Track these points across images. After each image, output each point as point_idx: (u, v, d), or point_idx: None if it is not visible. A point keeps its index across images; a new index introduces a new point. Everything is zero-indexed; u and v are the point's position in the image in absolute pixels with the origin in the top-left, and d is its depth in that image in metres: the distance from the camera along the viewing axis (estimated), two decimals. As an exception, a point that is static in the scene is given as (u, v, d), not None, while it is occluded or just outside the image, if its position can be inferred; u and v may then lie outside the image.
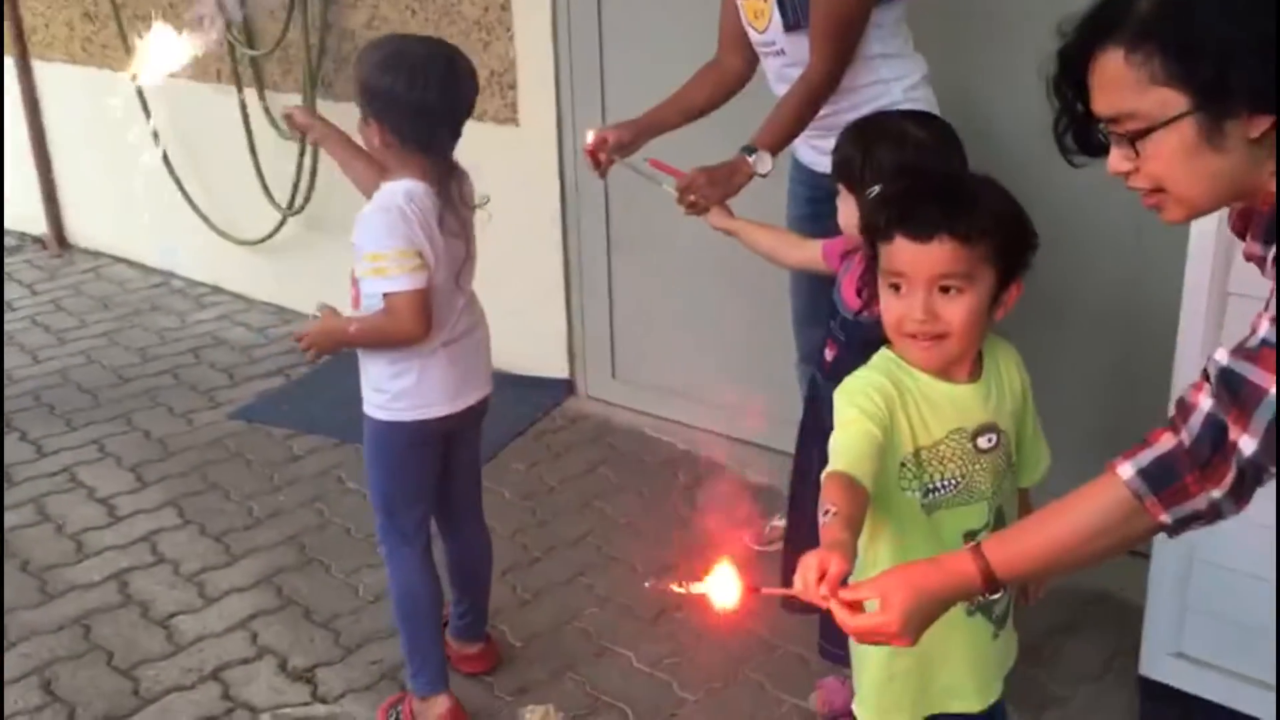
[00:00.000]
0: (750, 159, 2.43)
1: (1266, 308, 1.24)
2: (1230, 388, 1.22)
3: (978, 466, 1.72)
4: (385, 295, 2.17)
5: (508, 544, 3.14)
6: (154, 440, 3.85)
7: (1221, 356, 1.24)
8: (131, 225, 5.50)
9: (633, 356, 3.94)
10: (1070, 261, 2.74)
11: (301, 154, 4.45)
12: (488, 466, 2.96)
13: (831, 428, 1.66)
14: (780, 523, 2.96)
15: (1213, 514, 1.28)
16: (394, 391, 2.29)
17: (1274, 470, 1.24)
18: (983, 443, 1.71)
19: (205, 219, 4.97)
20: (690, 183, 2.45)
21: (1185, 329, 2.23)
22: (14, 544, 3.26)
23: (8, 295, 5.21)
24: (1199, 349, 2.18)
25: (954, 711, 1.84)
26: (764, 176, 2.46)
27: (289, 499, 3.47)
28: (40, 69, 5.56)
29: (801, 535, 2.24)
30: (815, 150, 2.64)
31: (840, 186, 2.09)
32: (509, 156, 3.77)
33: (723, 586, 1.40)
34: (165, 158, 4.97)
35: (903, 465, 1.69)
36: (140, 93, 4.94)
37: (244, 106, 4.60)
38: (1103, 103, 1.26)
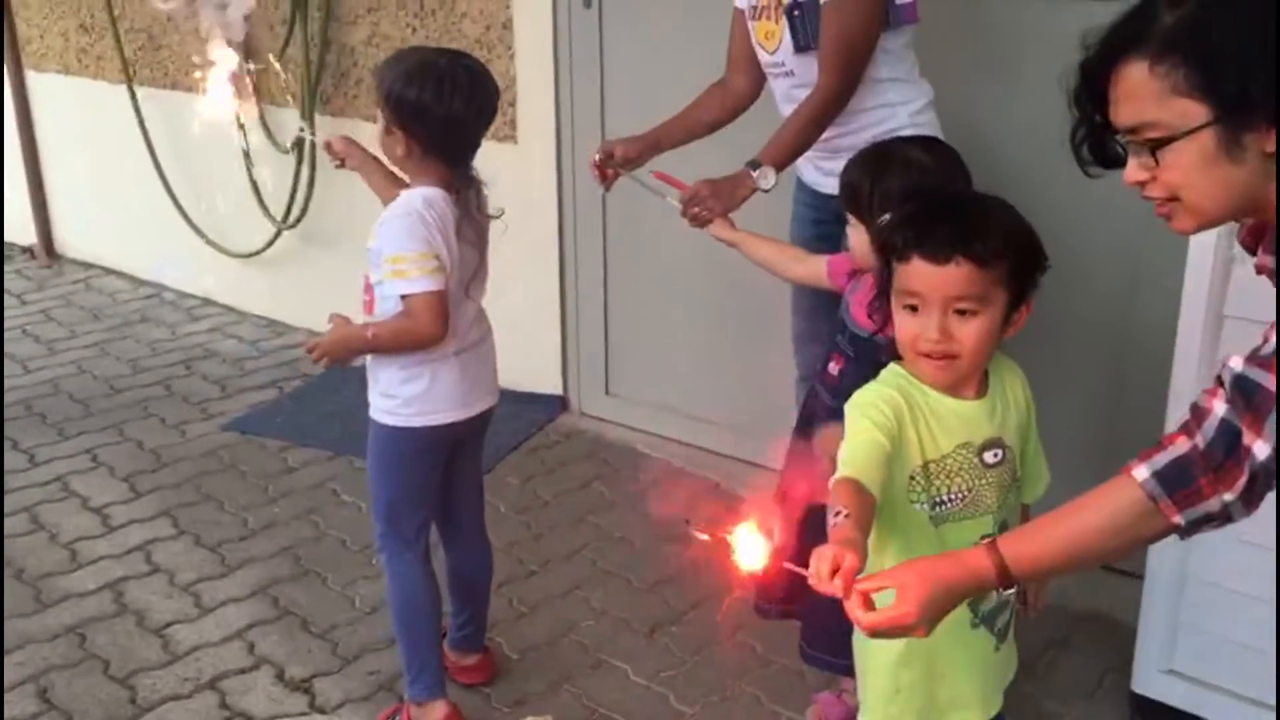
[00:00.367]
0: (754, 174, 2.47)
1: None
2: (1244, 394, 1.27)
3: (984, 481, 1.75)
4: (404, 297, 2.19)
5: (503, 557, 3.14)
6: (147, 451, 3.85)
7: (1236, 364, 1.29)
8: (122, 237, 5.51)
9: (626, 373, 3.97)
10: (1067, 281, 2.78)
11: (298, 168, 4.47)
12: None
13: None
14: None
15: (1224, 516, 1.32)
16: (404, 397, 2.32)
17: None
18: (989, 457, 1.75)
19: (198, 231, 4.97)
20: (694, 194, 2.49)
21: (1181, 350, 2.27)
22: (8, 552, 3.25)
23: (-3, 305, 5.21)
24: (1195, 370, 2.23)
25: (958, 723, 1.87)
26: (766, 192, 2.50)
27: (284, 510, 3.47)
28: (34, 80, 5.57)
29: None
30: (819, 171, 2.68)
31: (850, 216, 2.12)
32: (508, 174, 3.79)
33: (749, 547, 1.42)
34: (159, 170, 4.99)
35: (911, 478, 1.72)
36: (136, 105, 4.96)
37: (240, 120, 4.61)
38: (1124, 113, 1.29)
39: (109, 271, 5.61)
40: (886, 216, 1.81)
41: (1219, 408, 1.29)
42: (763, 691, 2.67)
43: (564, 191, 3.88)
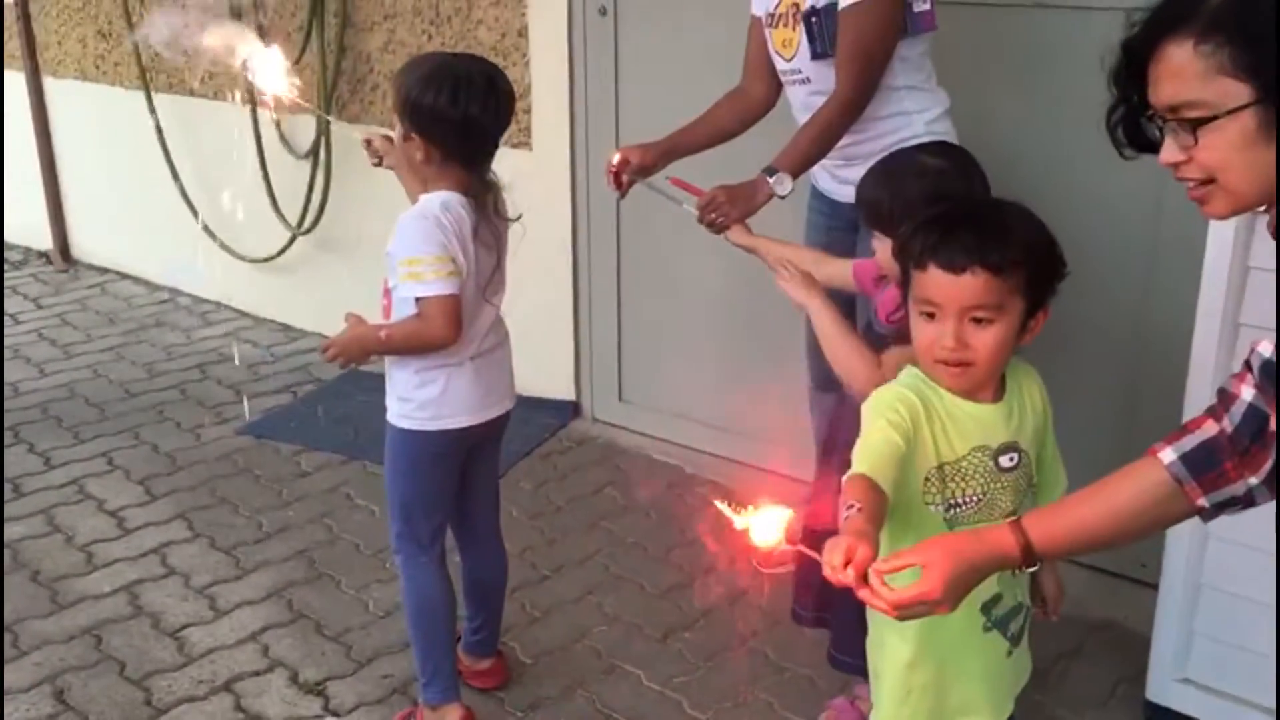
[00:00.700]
0: (771, 180, 2.48)
1: None
2: (1272, 379, 1.28)
3: (999, 485, 1.75)
4: (418, 299, 2.21)
5: (516, 562, 3.14)
6: (162, 454, 3.87)
7: (1265, 349, 1.30)
8: (138, 242, 5.54)
9: (639, 380, 3.98)
10: (1084, 288, 2.79)
11: (314, 174, 4.50)
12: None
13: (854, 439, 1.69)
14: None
15: (1248, 500, 1.34)
16: (419, 401, 2.33)
17: None
18: (1004, 461, 1.75)
19: (213, 236, 5.00)
20: (711, 200, 2.50)
21: (1196, 359, 2.28)
22: (24, 554, 3.27)
23: (13, 309, 5.24)
24: (1209, 379, 2.23)
25: (969, 728, 1.87)
26: (783, 198, 2.51)
27: (298, 514, 3.49)
28: (51, 85, 5.61)
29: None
30: (835, 179, 2.69)
31: (874, 232, 2.12)
32: (522, 180, 3.81)
33: (766, 526, 1.42)
34: (175, 175, 5.02)
35: (926, 480, 1.72)
36: (153, 111, 4.99)
37: (257, 126, 4.64)
38: (1165, 91, 1.29)
39: (124, 276, 5.64)
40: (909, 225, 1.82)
41: (1246, 392, 1.31)
42: (775, 698, 2.67)
43: (578, 198, 3.89)
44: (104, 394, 4.35)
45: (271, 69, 2.44)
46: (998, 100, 2.97)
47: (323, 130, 4.41)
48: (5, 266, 5.80)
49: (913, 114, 2.54)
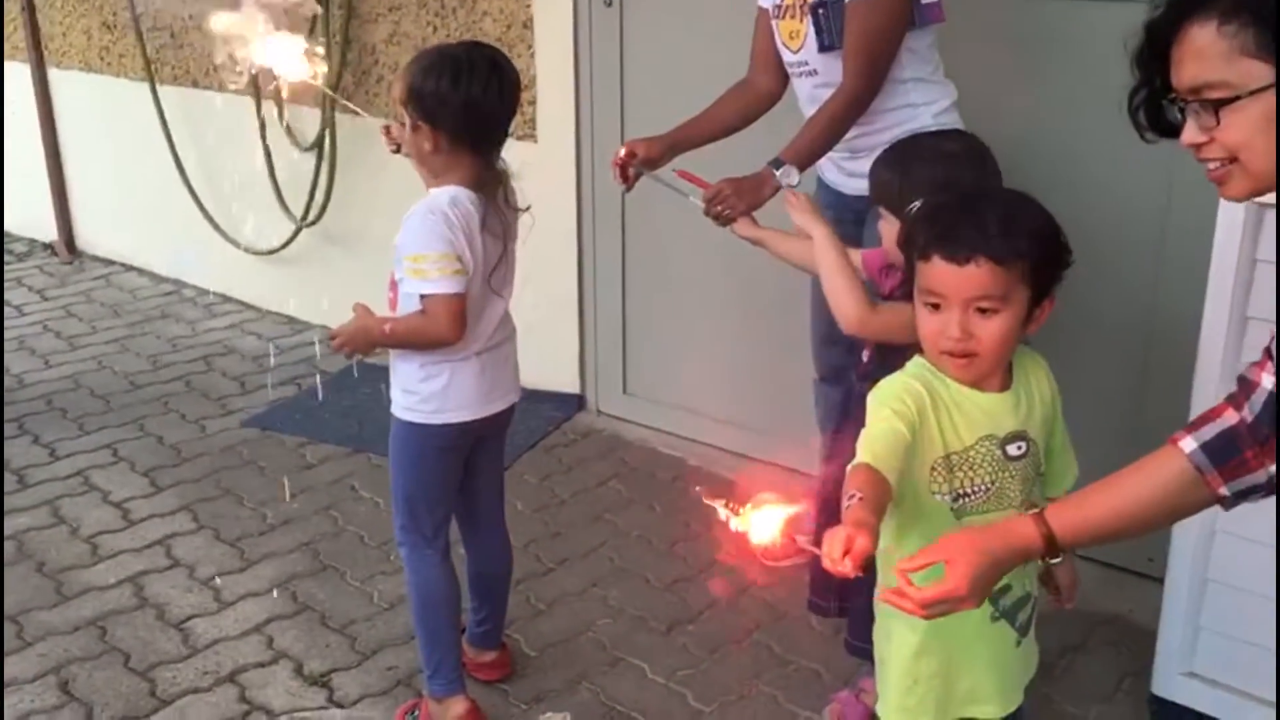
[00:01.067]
0: (777, 172, 2.47)
1: None
2: None
3: (1007, 474, 1.75)
4: (422, 297, 2.20)
5: (521, 554, 3.14)
6: (167, 446, 3.87)
7: None
8: (143, 233, 5.55)
9: (644, 373, 3.98)
10: (1093, 277, 2.79)
11: (318, 166, 4.49)
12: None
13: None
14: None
15: (1269, 488, 1.34)
16: (423, 394, 2.32)
17: None
18: (1012, 450, 1.75)
19: (218, 228, 5.00)
20: (717, 193, 2.49)
21: (1204, 351, 2.27)
22: (29, 545, 3.27)
23: (18, 300, 5.24)
24: (1218, 371, 2.23)
25: (976, 717, 1.86)
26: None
27: (303, 506, 3.49)
28: (56, 76, 5.61)
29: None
30: (841, 171, 2.69)
31: (882, 210, 2.12)
32: (527, 172, 3.80)
33: (764, 525, 1.43)
34: (180, 167, 5.01)
35: (933, 469, 1.72)
36: (157, 102, 4.99)
37: (261, 118, 4.63)
38: (1188, 72, 1.29)
39: (129, 268, 5.64)
40: (917, 204, 1.81)
41: (1267, 381, 1.31)
42: (780, 691, 2.67)
43: (583, 190, 3.88)
44: (109, 386, 4.35)
45: (289, 54, 2.42)
46: (1005, 92, 2.96)
47: (328, 122, 4.41)
48: (10, 258, 5.80)
49: (920, 106, 2.53)
